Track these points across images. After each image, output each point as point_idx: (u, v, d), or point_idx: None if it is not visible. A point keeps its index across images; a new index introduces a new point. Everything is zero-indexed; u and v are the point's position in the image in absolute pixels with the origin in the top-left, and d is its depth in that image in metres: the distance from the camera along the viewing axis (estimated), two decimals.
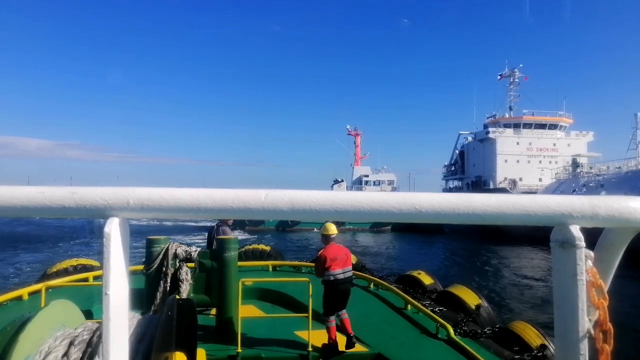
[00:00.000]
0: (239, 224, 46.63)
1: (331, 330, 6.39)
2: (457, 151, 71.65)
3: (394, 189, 64.40)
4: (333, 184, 67.58)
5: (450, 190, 70.06)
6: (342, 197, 1.14)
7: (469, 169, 66.38)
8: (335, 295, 6.57)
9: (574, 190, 39.95)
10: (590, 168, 44.99)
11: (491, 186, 56.64)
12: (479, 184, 60.15)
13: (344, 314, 6.51)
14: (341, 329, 6.45)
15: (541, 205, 1.14)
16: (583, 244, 1.11)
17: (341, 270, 6.58)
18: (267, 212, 1.12)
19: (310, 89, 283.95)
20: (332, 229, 6.88)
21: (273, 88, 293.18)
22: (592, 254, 1.14)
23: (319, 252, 6.85)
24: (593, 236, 1.21)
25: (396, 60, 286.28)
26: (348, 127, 76.63)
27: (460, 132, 71.13)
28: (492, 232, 39.84)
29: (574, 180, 43.90)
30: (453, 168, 72.23)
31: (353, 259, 12.89)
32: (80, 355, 1.54)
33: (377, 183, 67.60)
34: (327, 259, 6.61)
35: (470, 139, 67.67)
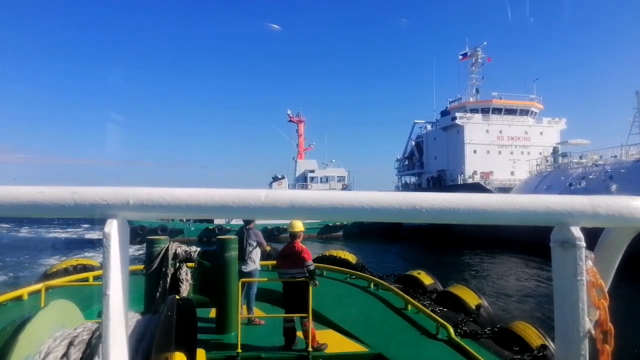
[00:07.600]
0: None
1: (286, 331, 6.42)
2: (412, 142, 61.68)
3: (345, 187, 53.64)
4: (272, 182, 54.73)
5: (406, 187, 61.02)
6: (343, 197, 1.14)
7: (429, 162, 56.22)
8: (284, 293, 6.73)
9: (570, 185, 33.88)
10: (581, 157, 38.55)
11: (459, 181, 47.10)
12: (443, 180, 51.02)
13: (306, 323, 6.25)
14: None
15: (541, 205, 1.14)
16: (583, 244, 1.11)
17: (286, 270, 6.70)
18: (267, 211, 1.12)
19: (242, 81, 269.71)
20: (293, 226, 6.92)
21: (200, 82, 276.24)
22: (592, 254, 1.14)
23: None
24: (593, 237, 1.20)
25: (343, 51, 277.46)
26: (289, 112, 60.78)
27: (416, 121, 61.97)
28: (463, 236, 36.97)
29: (561, 173, 37.34)
30: (408, 162, 62.32)
31: (352, 258, 12.99)
32: (80, 355, 1.54)
33: (324, 179, 55.63)
34: (279, 256, 6.82)
35: (429, 127, 58.41)
